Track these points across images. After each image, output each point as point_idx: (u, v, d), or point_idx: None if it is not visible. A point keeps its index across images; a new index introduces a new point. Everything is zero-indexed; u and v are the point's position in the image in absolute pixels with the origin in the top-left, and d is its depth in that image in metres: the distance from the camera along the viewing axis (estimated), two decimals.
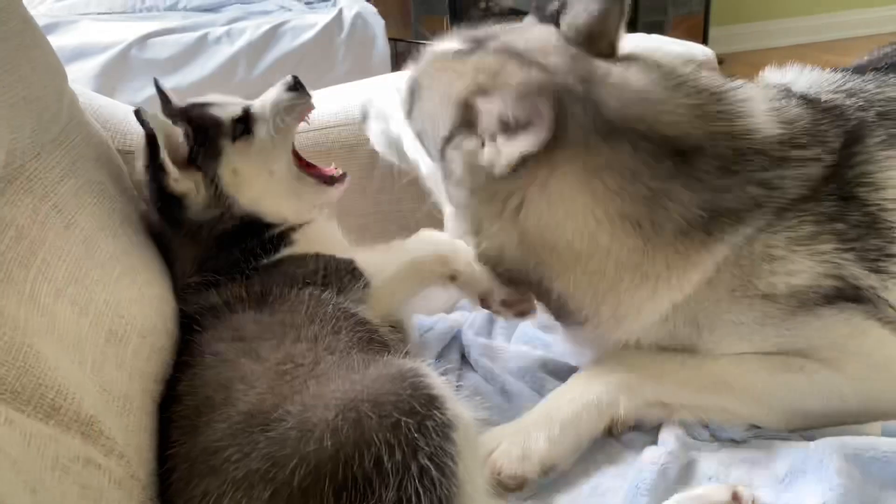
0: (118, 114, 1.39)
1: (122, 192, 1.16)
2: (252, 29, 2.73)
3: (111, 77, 2.56)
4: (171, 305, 1.06)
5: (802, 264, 0.95)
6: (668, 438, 0.94)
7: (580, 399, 0.98)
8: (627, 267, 0.95)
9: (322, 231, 1.17)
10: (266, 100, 1.18)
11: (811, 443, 0.90)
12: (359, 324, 0.99)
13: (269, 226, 1.13)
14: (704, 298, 0.97)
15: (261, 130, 1.15)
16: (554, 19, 1.05)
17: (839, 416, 0.97)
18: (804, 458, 0.87)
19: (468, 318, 1.30)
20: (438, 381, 0.80)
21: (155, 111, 1.11)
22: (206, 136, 1.12)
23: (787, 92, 1.08)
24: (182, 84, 2.60)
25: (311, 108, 1.19)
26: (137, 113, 1.06)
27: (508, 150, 0.90)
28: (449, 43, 1.06)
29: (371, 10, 3.04)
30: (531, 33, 1.04)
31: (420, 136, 1.07)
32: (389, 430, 0.73)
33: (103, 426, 0.79)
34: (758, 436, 0.97)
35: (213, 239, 1.11)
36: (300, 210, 1.16)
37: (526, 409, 1.03)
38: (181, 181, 1.09)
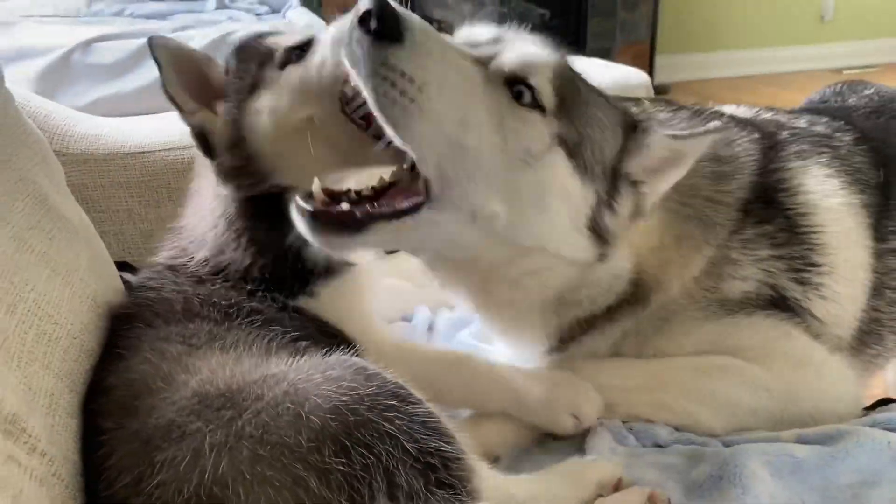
0: (56, 115, 1.38)
1: (58, 192, 1.15)
2: (199, 38, 2.73)
3: (52, 80, 2.53)
4: (104, 307, 1.05)
5: (749, 270, 1.05)
6: (596, 446, 0.98)
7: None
8: (673, 255, 1.05)
9: (355, 295, 1.07)
10: (331, 32, 0.98)
11: (727, 449, 0.94)
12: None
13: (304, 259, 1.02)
14: (688, 293, 1.06)
15: (315, 60, 0.97)
16: None
17: (766, 411, 1.04)
18: (721, 465, 0.91)
19: (411, 324, 1.33)
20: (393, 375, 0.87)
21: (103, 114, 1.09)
22: (248, 66, 1.00)
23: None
24: (125, 90, 2.58)
25: None
26: (150, 41, 1.00)
27: (664, 185, 0.99)
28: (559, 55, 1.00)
29: (321, 23, 3.06)
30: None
31: (579, 146, 0.94)
32: (385, 410, 0.81)
33: (26, 424, 0.78)
34: (680, 441, 1.00)
35: (244, 208, 1.01)
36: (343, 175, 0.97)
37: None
38: (197, 114, 1.01)
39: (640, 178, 0.99)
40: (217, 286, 1.03)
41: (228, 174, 1.02)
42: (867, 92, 1.39)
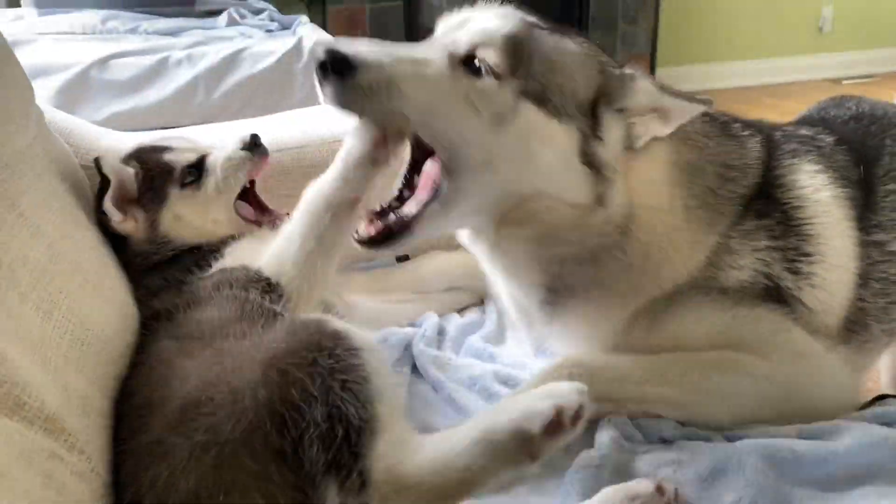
0: (81, 131, 1.43)
1: (84, 204, 1.19)
2: (212, 54, 2.77)
3: (70, 96, 2.57)
4: (132, 312, 1.10)
5: (747, 259, 1.11)
6: (604, 441, 1.01)
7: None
8: (675, 232, 1.10)
9: (253, 243, 1.21)
10: (220, 155, 1.26)
11: (731, 444, 0.98)
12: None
13: (203, 248, 1.20)
14: (693, 281, 1.11)
15: (209, 183, 1.24)
16: None
17: (770, 402, 1.07)
18: (725, 459, 0.94)
19: (419, 330, 1.36)
20: (339, 322, 0.89)
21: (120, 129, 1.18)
22: (153, 180, 1.22)
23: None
24: (141, 105, 2.63)
25: (264, 166, 1.28)
26: (97, 161, 1.18)
27: (657, 129, 1.07)
28: (515, 11, 1.11)
29: (330, 39, 3.09)
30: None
31: (545, 93, 1.02)
32: (309, 366, 0.82)
33: (65, 423, 0.83)
34: (686, 436, 1.04)
35: (153, 264, 1.20)
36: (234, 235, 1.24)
37: (471, 415, 1.09)
38: (123, 222, 1.19)
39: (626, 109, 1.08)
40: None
41: (141, 252, 1.21)
42: (848, 104, 1.44)
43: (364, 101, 0.98)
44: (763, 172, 1.17)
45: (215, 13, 3.57)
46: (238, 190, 1.27)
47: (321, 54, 0.97)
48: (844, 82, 6.00)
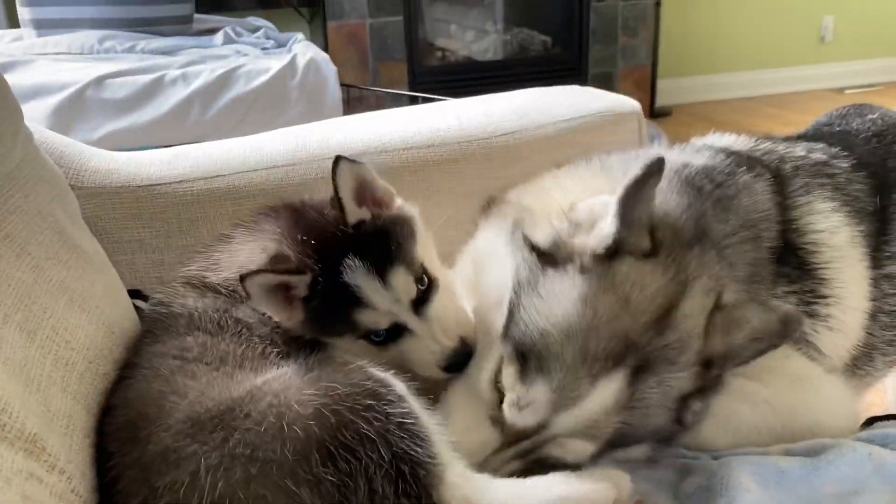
0: (71, 151, 1.44)
1: (74, 224, 1.20)
2: (207, 72, 2.79)
3: (67, 115, 2.59)
4: (119, 333, 1.10)
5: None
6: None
7: None
8: None
9: None
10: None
11: (715, 461, 0.98)
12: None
13: None
14: None
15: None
16: None
17: (768, 427, 1.06)
18: (710, 476, 0.94)
19: None
20: (380, 369, 0.91)
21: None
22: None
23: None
24: (137, 124, 2.65)
25: None
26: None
27: None
28: None
29: (325, 57, 3.13)
30: None
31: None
32: (364, 410, 0.84)
33: (46, 443, 0.83)
34: (670, 455, 1.03)
35: None
36: None
37: None
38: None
39: None
40: (212, 297, 1.09)
41: None
42: (871, 116, 1.40)
43: None
44: (776, 218, 1.13)
45: (212, 32, 3.60)
46: None
47: None
48: (847, 92, 6.01)
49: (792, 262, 1.11)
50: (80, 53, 3.13)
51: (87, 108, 2.64)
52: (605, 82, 5.22)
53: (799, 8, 6.09)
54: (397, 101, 4.26)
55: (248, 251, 1.10)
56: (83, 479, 0.87)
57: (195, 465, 0.82)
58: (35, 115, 2.48)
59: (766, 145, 1.28)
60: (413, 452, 0.83)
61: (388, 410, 0.85)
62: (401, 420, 0.85)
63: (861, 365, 1.18)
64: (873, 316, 1.17)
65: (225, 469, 0.81)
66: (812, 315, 1.10)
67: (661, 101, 5.64)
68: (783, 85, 6.13)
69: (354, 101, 3.76)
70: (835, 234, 1.15)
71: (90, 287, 1.11)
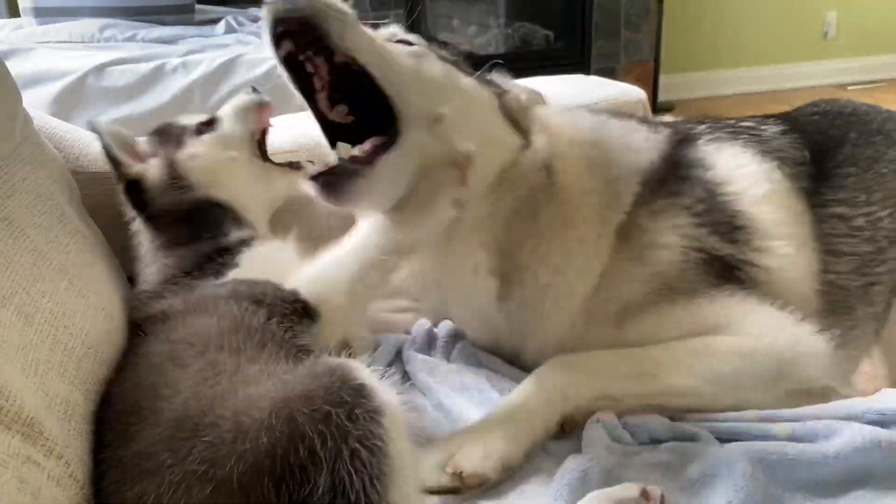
0: (71, 137, 1.43)
1: (73, 209, 1.19)
2: (208, 61, 2.77)
3: (67, 103, 2.57)
4: (119, 319, 1.09)
5: (668, 238, 1.15)
6: (592, 444, 0.99)
7: (533, 399, 1.07)
8: (587, 205, 1.20)
9: (273, 254, 1.17)
10: (228, 107, 1.34)
11: (722, 447, 0.97)
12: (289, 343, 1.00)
13: (226, 224, 1.20)
14: (616, 266, 1.16)
15: (223, 125, 1.30)
16: None
17: (761, 379, 1.09)
18: (715, 463, 0.93)
19: (411, 336, 1.35)
20: (366, 373, 0.83)
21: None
22: (169, 136, 1.27)
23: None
24: (137, 112, 2.62)
25: (270, 111, 1.35)
26: (90, 123, 1.24)
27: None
28: None
29: None
30: None
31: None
32: (321, 422, 0.76)
33: (44, 427, 0.82)
34: (676, 438, 1.03)
35: (177, 219, 1.20)
36: (267, 199, 1.30)
37: (463, 421, 1.10)
38: (135, 167, 1.22)
39: None
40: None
41: (160, 208, 1.22)
42: (827, 105, 1.48)
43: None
44: (670, 158, 1.24)
45: (213, 22, 3.58)
46: (251, 130, 1.32)
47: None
48: (849, 88, 5.99)
49: (696, 193, 1.20)
50: (80, 42, 3.11)
51: (87, 96, 2.62)
52: (608, 77, 5.18)
53: (802, 4, 6.07)
54: None
55: None
56: (81, 463, 0.86)
57: (160, 477, 0.78)
58: (35, 102, 2.46)
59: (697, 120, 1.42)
60: (356, 491, 0.74)
61: (348, 428, 0.76)
62: (356, 445, 0.75)
63: (841, 313, 1.22)
64: (835, 255, 1.22)
65: (185, 487, 0.76)
66: (733, 241, 1.17)
67: (664, 96, 5.63)
68: (786, 81, 6.12)
69: None
70: (745, 166, 1.25)
71: (90, 272, 1.10)
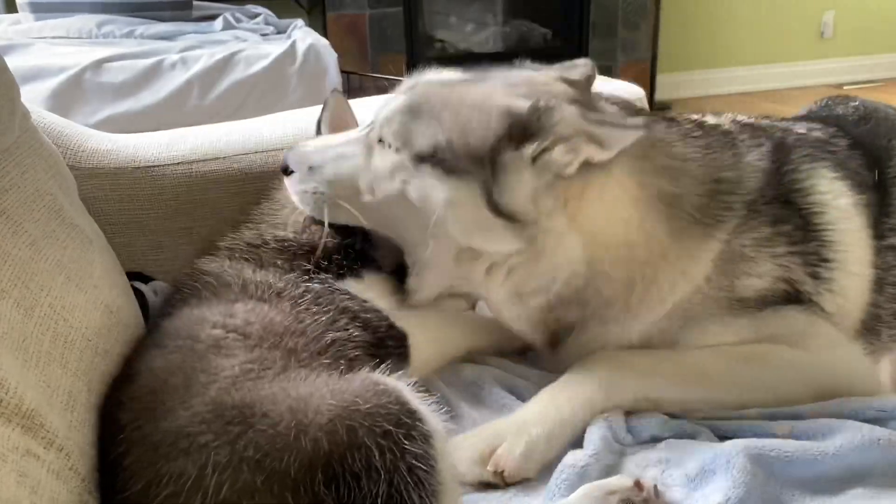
0: (70, 132, 1.43)
1: (72, 204, 1.19)
2: (206, 57, 2.77)
3: (65, 99, 2.57)
4: (118, 314, 1.09)
5: (765, 266, 1.10)
6: (592, 441, 0.99)
7: (575, 398, 1.04)
8: (661, 259, 1.09)
9: (392, 287, 1.21)
10: None
11: (721, 444, 0.97)
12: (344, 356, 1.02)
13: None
14: (700, 293, 1.10)
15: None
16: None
17: (813, 390, 1.07)
18: (713, 459, 0.93)
19: None
20: (416, 397, 0.86)
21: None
22: None
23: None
24: (135, 108, 2.63)
25: None
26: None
27: (590, 153, 1.00)
28: (440, 74, 1.15)
29: (324, 43, 3.11)
30: (523, 73, 1.19)
31: (435, 155, 1.04)
32: (381, 437, 0.79)
33: (45, 420, 0.82)
34: (675, 435, 1.03)
35: None
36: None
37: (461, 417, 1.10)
38: None
39: (542, 151, 1.01)
40: (274, 267, 1.14)
41: None
42: (853, 104, 1.44)
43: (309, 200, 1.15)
44: (772, 179, 1.15)
45: (211, 18, 3.58)
46: None
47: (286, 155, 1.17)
48: (846, 88, 5.99)
49: (795, 221, 1.13)
50: (78, 38, 3.11)
51: (85, 91, 2.62)
52: (605, 76, 5.19)
53: (799, 3, 6.07)
54: None
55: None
56: (83, 456, 0.86)
57: (205, 458, 0.78)
58: (33, 98, 2.46)
59: (767, 122, 1.32)
60: (412, 501, 0.77)
61: (406, 446, 0.79)
62: (413, 462, 0.79)
63: (869, 339, 1.19)
64: (879, 287, 1.19)
65: (233, 470, 0.77)
66: (815, 277, 1.13)
67: (661, 95, 5.63)
68: (783, 80, 6.12)
69: (355, 91, 3.74)
70: (838, 197, 1.18)
71: (88, 267, 1.10)
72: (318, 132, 1.34)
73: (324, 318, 1.03)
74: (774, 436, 0.99)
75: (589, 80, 1.20)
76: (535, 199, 1.02)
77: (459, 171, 1.03)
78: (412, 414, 0.82)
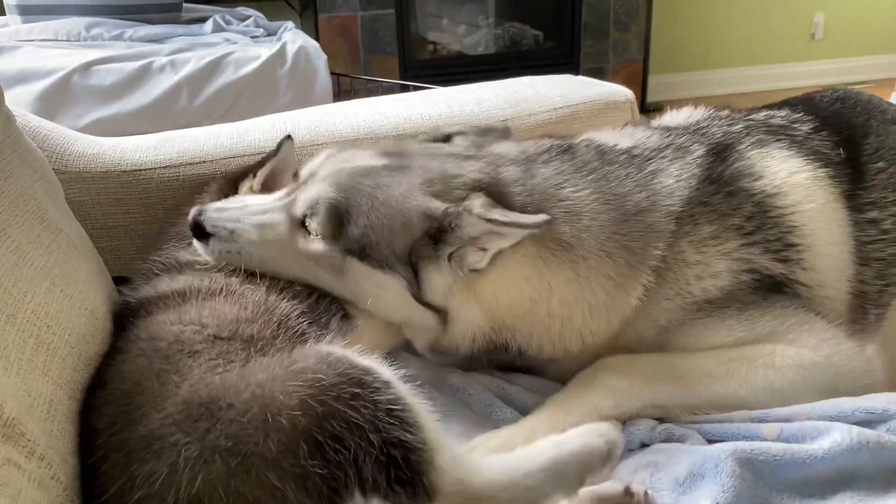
0: (56, 135, 1.42)
1: (57, 209, 1.18)
2: (196, 59, 2.76)
3: (52, 102, 2.55)
4: (103, 319, 1.08)
5: (718, 265, 1.10)
6: None
7: (583, 406, 1.05)
8: (574, 306, 1.10)
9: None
10: None
11: (709, 447, 0.96)
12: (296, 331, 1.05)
13: None
14: (652, 309, 1.10)
15: None
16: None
17: (818, 389, 1.07)
18: (703, 463, 0.93)
19: None
20: (363, 357, 0.91)
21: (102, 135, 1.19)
22: None
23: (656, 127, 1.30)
24: (124, 111, 2.61)
25: None
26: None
27: (499, 245, 1.05)
28: (361, 158, 1.16)
29: (314, 45, 3.10)
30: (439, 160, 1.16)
31: (364, 251, 1.09)
32: (351, 399, 0.83)
33: (25, 428, 0.81)
34: (665, 438, 1.02)
35: None
36: None
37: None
38: None
39: (457, 249, 1.07)
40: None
41: None
42: (836, 93, 1.43)
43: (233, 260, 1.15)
44: (708, 180, 1.15)
45: (201, 20, 3.56)
46: None
47: (193, 216, 1.15)
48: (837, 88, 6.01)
49: (746, 210, 1.13)
50: (66, 40, 3.08)
51: (73, 94, 2.60)
52: (597, 77, 5.13)
53: (790, 5, 6.09)
54: (389, 92, 4.22)
55: None
56: (64, 465, 0.85)
57: (175, 456, 0.79)
58: (20, 101, 2.45)
59: (724, 113, 1.32)
60: (404, 438, 0.82)
61: (376, 398, 0.84)
62: (389, 407, 0.84)
63: (857, 319, 1.19)
64: (863, 261, 1.18)
65: (204, 462, 0.78)
66: (784, 261, 1.12)
67: (653, 96, 5.64)
68: (774, 81, 6.13)
69: (345, 94, 3.73)
70: (796, 173, 1.17)
71: (73, 272, 1.09)
72: (262, 163, 1.34)
73: (260, 298, 1.07)
74: (763, 438, 0.98)
75: (507, 135, 1.30)
76: (451, 290, 1.09)
77: (385, 268, 1.09)
78: (368, 371, 0.87)
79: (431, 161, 1.14)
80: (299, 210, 1.13)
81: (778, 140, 1.21)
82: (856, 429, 0.96)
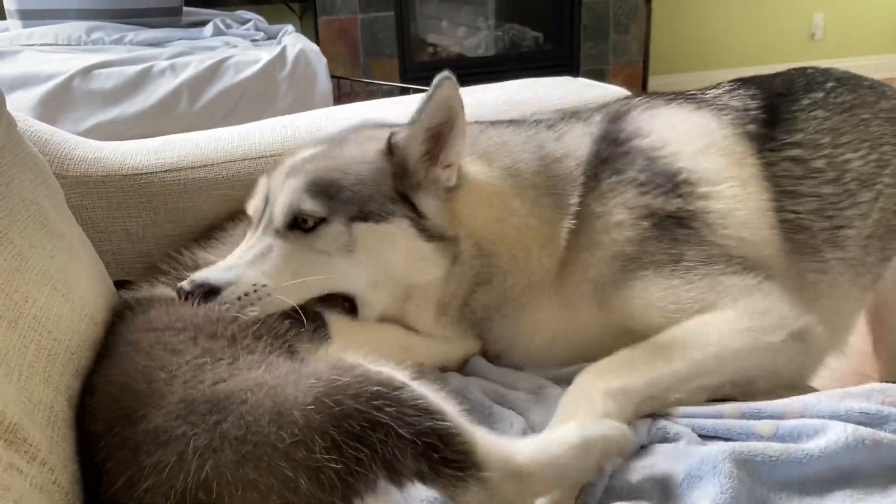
0: (57, 139, 1.42)
1: (58, 213, 1.18)
2: (196, 63, 2.77)
3: (53, 106, 2.56)
4: (103, 324, 1.09)
5: (620, 215, 1.18)
6: None
7: (590, 415, 1.04)
8: (529, 230, 1.22)
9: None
10: None
11: (706, 448, 0.96)
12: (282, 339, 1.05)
13: None
14: (577, 259, 1.19)
15: None
16: None
17: (761, 343, 1.11)
18: (700, 464, 0.93)
19: None
20: (376, 364, 0.91)
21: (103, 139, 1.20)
22: None
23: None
24: (124, 115, 2.62)
25: None
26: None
27: (452, 156, 1.18)
28: (301, 153, 1.24)
29: (314, 48, 3.11)
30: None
31: (363, 210, 1.15)
32: (372, 398, 0.83)
33: (27, 434, 0.81)
34: (662, 439, 1.02)
35: None
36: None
37: None
38: None
39: (424, 173, 1.19)
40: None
41: None
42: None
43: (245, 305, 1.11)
44: (604, 140, 1.26)
45: (201, 24, 3.57)
46: None
47: (187, 287, 1.10)
48: None
49: (638, 164, 1.22)
50: (67, 45, 3.10)
51: (73, 98, 2.61)
52: (597, 78, 5.13)
53: (790, 5, 6.10)
54: (389, 94, 4.23)
55: None
56: (65, 470, 0.86)
57: (183, 445, 0.80)
58: (21, 105, 2.45)
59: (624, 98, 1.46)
60: (437, 427, 0.83)
61: (400, 396, 0.84)
62: (414, 402, 0.84)
63: (809, 254, 1.23)
64: (794, 198, 1.23)
65: (214, 450, 0.79)
66: (680, 195, 1.18)
67: None
68: None
69: (345, 97, 3.73)
70: (679, 124, 1.27)
71: (74, 277, 1.09)
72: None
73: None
74: (758, 436, 0.98)
75: None
76: (443, 213, 1.19)
77: (388, 216, 1.15)
78: (380, 373, 0.87)
79: (365, 133, 1.27)
80: (281, 216, 1.16)
81: (675, 102, 1.32)
82: (851, 426, 0.96)
